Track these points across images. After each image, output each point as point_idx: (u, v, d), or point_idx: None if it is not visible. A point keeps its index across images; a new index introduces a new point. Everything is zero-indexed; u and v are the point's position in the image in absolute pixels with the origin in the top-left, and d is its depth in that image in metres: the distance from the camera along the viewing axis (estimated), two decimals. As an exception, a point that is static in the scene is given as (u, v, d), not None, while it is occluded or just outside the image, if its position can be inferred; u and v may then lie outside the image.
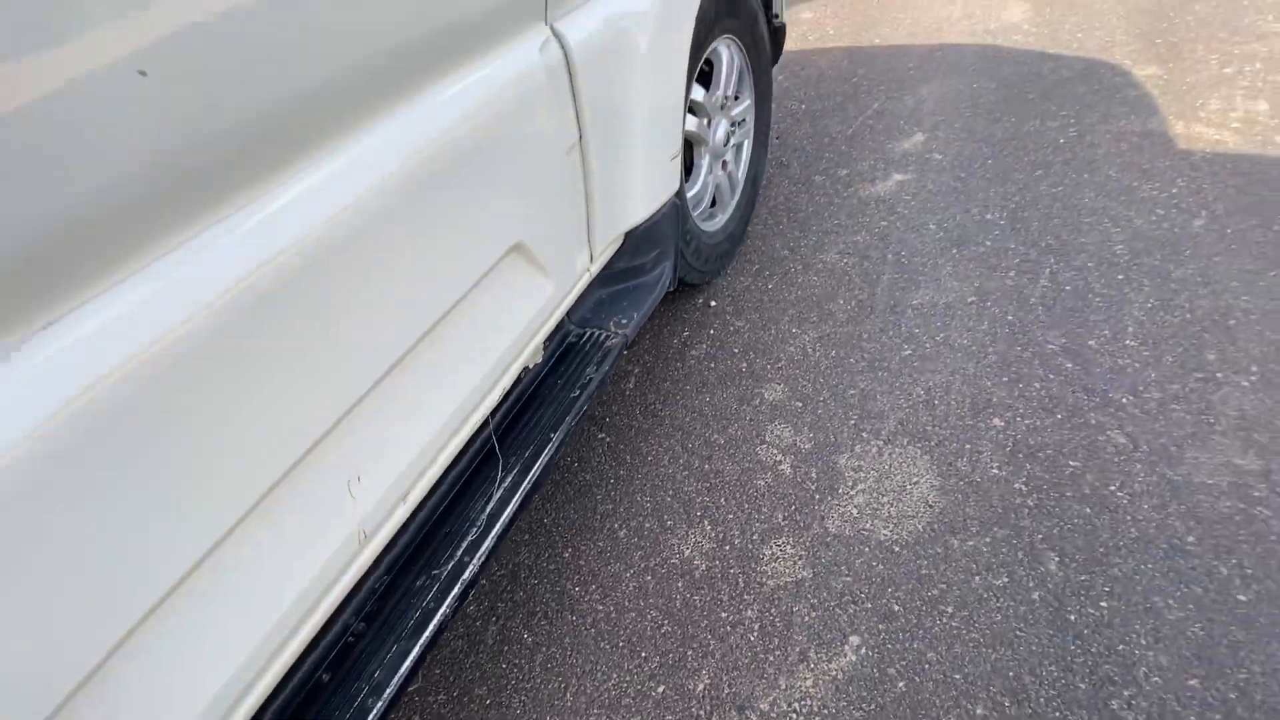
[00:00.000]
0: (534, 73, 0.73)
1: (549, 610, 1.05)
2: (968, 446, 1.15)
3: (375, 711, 0.65)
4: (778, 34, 1.62)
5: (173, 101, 0.46)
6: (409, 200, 0.62)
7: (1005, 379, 1.24)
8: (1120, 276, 1.40)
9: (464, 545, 0.77)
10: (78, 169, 0.42)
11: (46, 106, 0.40)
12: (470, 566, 0.75)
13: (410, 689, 0.97)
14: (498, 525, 0.79)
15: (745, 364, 1.39)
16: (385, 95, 0.61)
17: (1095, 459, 1.09)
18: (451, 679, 0.99)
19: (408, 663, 0.68)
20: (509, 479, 0.83)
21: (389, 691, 0.66)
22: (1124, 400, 1.15)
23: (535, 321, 0.86)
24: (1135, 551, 0.97)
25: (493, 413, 0.85)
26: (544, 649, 1.00)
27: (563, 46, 0.79)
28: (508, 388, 0.85)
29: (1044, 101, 2.03)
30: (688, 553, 1.09)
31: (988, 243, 1.56)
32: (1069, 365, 1.24)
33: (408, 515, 0.72)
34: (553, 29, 0.78)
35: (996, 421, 1.18)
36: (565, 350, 1.01)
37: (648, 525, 1.14)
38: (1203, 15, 2.36)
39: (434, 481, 0.75)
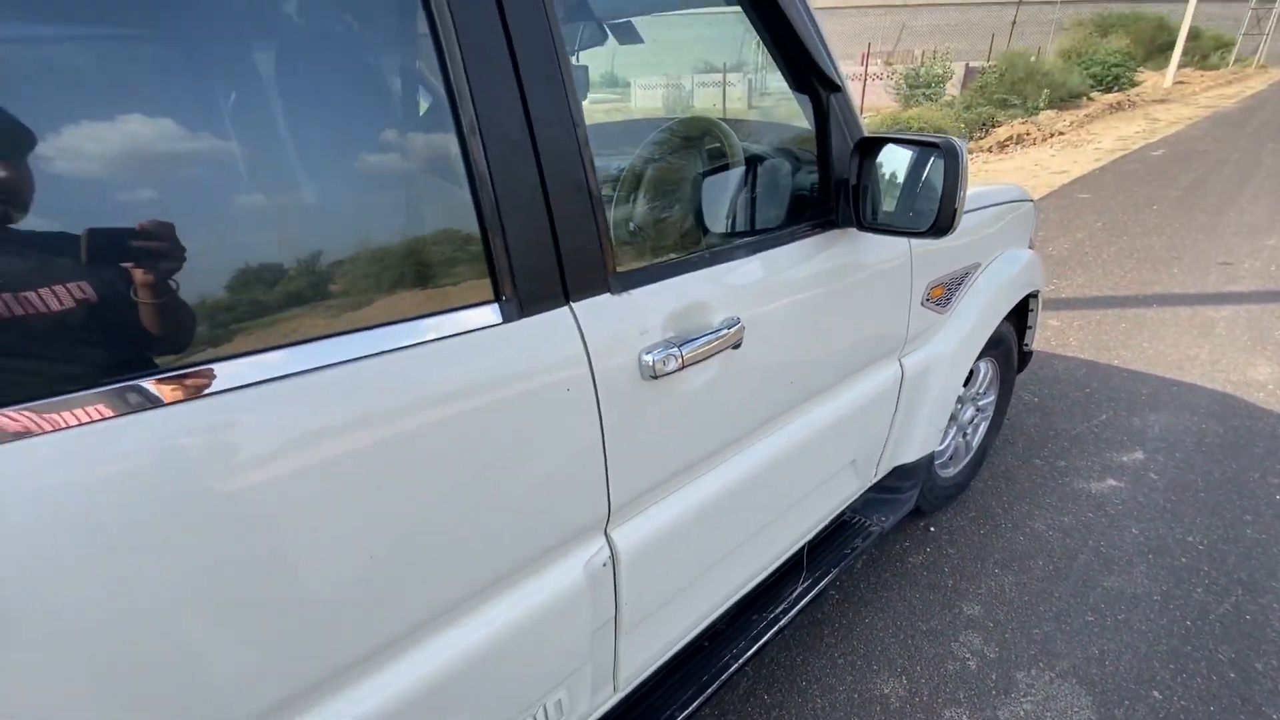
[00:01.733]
0: (891, 386, 1.46)
1: (784, 689, 1.57)
2: (1127, 703, 1.49)
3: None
4: (1026, 356, 2.24)
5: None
6: (820, 443, 1.33)
7: (1172, 667, 1.57)
8: (1306, 626, 1.65)
9: (767, 620, 1.38)
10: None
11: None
12: (768, 633, 1.35)
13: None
14: (794, 611, 1.39)
15: (951, 581, 1.86)
16: (826, 390, 1.35)
17: (1241, 753, 1.37)
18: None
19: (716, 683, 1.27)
20: (803, 588, 1.45)
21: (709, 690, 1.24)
22: (1275, 717, 1.42)
23: (840, 505, 1.52)
24: (1259, 831, 1.24)
25: (801, 550, 1.49)
26: (776, 709, 1.52)
27: (902, 367, 1.52)
28: (812, 539, 1.50)
29: (1270, 459, 2.32)
30: (885, 691, 1.56)
31: (1183, 559, 1.90)
32: (1232, 675, 1.53)
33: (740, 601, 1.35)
34: (900, 363, 1.51)
35: (1156, 694, 1.51)
36: (842, 525, 1.64)
37: (858, 663, 1.64)
38: None
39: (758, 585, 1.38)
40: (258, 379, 0.59)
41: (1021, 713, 1.49)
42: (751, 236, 1.10)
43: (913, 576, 1.89)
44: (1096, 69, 19.05)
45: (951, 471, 2.11)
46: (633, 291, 0.87)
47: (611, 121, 1.95)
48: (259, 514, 0.59)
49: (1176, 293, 3.94)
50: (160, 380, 0.55)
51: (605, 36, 1.55)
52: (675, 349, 0.88)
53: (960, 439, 2.11)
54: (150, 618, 0.55)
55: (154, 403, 0.54)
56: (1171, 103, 17.27)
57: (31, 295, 0.49)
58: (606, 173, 1.21)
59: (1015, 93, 14.33)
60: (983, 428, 2.19)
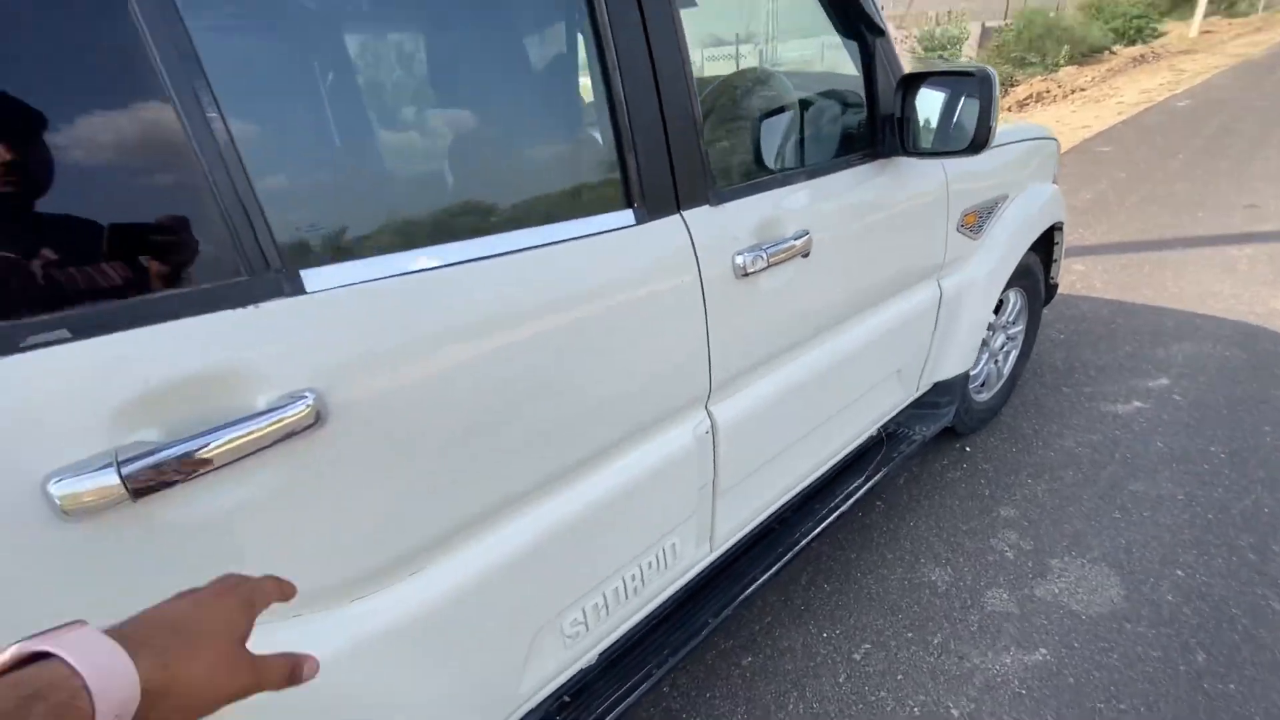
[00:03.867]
0: (931, 304, 1.64)
1: (841, 579, 1.78)
2: (1152, 579, 1.67)
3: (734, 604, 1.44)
4: (1052, 289, 2.39)
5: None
6: (872, 350, 1.52)
7: (1194, 551, 1.74)
8: (1319, 514, 1.81)
9: (828, 508, 1.58)
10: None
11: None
12: (830, 516, 1.55)
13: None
14: (851, 500, 1.59)
15: (987, 491, 2.05)
16: (876, 303, 1.53)
17: (1254, 614, 1.55)
18: (759, 640, 1.76)
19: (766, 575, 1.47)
20: (858, 482, 1.65)
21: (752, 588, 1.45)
22: (1288, 584, 1.60)
23: (889, 411, 1.71)
24: (1268, 668, 1.42)
25: (856, 451, 1.68)
26: (837, 594, 1.73)
27: (940, 289, 1.69)
28: (861, 445, 1.69)
29: (1290, 378, 2.45)
30: (933, 578, 1.76)
31: (1205, 466, 2.06)
32: (1252, 556, 1.70)
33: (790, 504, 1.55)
34: (939, 284, 1.69)
35: (1179, 572, 1.68)
36: (889, 434, 1.83)
37: (906, 557, 1.83)
38: None
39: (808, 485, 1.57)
40: (463, 258, 0.78)
41: (1056, 590, 1.68)
42: (812, 164, 1.29)
43: (952, 488, 2.08)
44: (1118, 22, 18.54)
45: (985, 396, 2.28)
46: (725, 205, 1.07)
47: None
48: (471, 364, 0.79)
49: (1200, 235, 4.02)
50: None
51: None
52: (761, 251, 1.08)
53: (992, 365, 2.28)
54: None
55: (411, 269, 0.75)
56: (1198, 53, 16.80)
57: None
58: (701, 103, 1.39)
59: (1034, 50, 14.08)
60: (1013, 355, 2.35)
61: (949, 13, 18.22)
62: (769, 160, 1.26)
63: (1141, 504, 1.92)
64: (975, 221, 1.72)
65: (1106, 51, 16.57)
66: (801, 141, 1.35)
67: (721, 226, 1.05)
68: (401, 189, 0.84)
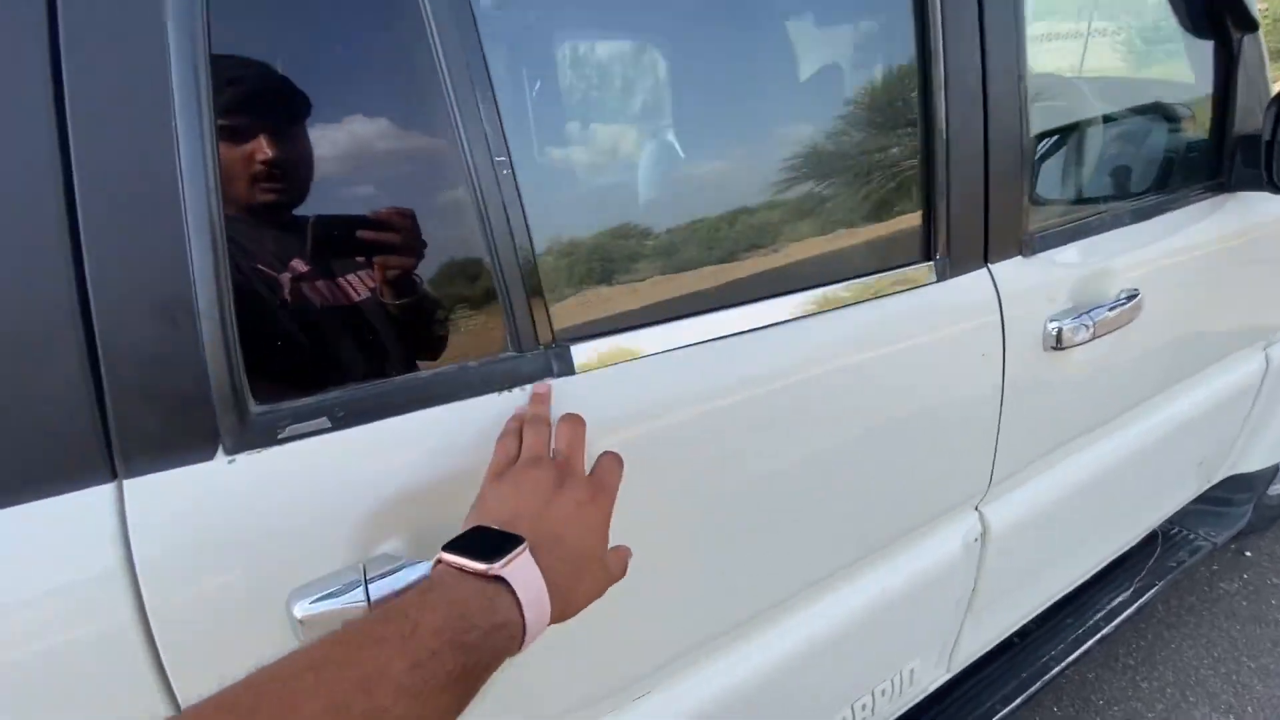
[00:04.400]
0: (1253, 378, 1.26)
1: (1076, 705, 1.44)
2: None
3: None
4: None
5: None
6: (1178, 437, 1.16)
7: None
8: None
9: (1095, 618, 1.25)
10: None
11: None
12: (1090, 640, 1.23)
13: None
14: (1117, 620, 1.26)
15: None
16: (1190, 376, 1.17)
17: None
18: None
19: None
20: (1124, 597, 1.30)
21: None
22: None
23: (1174, 509, 1.34)
24: None
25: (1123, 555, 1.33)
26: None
27: (1268, 360, 1.30)
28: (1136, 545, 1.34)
29: None
30: (1209, 728, 1.36)
31: None
32: None
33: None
34: (1266, 353, 1.29)
35: None
36: (1162, 535, 1.45)
37: (1169, 690, 1.44)
38: None
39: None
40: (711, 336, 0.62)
41: None
42: (1140, 200, 0.99)
43: (1229, 605, 1.63)
44: None
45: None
46: (1040, 255, 0.82)
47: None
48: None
49: None
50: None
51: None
52: (1086, 317, 0.82)
53: (1296, 450, 1.77)
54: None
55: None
56: None
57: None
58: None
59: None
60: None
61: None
62: (1088, 194, 0.99)
63: None
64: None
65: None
66: (1126, 170, 1.05)
67: (1035, 283, 0.81)
68: (662, 244, 0.69)
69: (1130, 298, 0.88)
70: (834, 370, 0.69)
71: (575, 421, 0.47)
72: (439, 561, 0.36)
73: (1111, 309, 0.85)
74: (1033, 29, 0.79)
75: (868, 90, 0.74)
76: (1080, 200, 1.01)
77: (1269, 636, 1.53)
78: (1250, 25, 0.98)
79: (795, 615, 0.77)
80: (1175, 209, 1.00)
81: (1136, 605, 1.29)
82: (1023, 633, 1.26)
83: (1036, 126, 1.06)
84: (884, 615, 0.84)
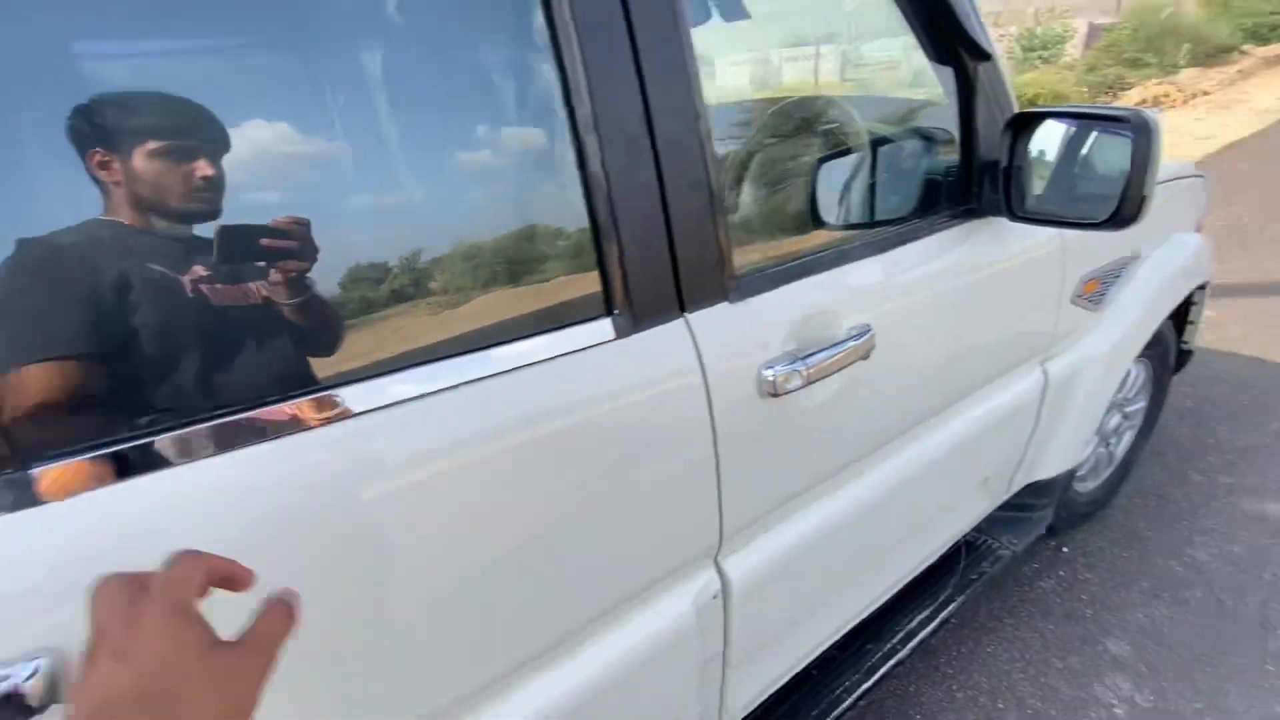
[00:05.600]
0: (1033, 394, 1.28)
1: (886, 715, 1.44)
2: (1327, 778, 1.25)
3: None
4: (1184, 355, 1.94)
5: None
6: (950, 462, 1.17)
7: (1388, 738, 1.30)
8: None
9: (883, 652, 1.25)
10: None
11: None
12: (885, 665, 1.22)
13: None
14: (913, 642, 1.26)
15: (1090, 611, 1.65)
16: (959, 400, 1.19)
17: None
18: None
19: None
20: (923, 616, 1.31)
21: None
22: None
23: (967, 526, 1.36)
24: None
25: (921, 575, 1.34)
26: (889, 746, 1.40)
27: (1046, 374, 1.33)
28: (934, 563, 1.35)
29: None
30: (1016, 735, 1.39)
31: (1396, 604, 1.58)
32: None
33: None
34: (1043, 368, 1.32)
35: (1367, 770, 1.25)
36: (966, 545, 1.47)
37: (981, 699, 1.47)
38: None
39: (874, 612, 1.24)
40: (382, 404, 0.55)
41: (1186, 776, 1.28)
42: (881, 229, 0.97)
43: (1044, 603, 1.69)
44: (1247, 21, 16.67)
45: (1090, 486, 1.87)
46: (751, 300, 0.78)
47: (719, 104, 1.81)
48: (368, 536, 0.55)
49: (1367, 277, 3.35)
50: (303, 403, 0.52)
51: (708, 14, 1.44)
52: (799, 363, 0.78)
53: (1103, 449, 1.86)
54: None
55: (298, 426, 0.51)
56: (1349, 52, 14.82)
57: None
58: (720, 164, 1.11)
59: (1151, 50, 12.79)
60: (1128, 436, 1.92)
61: (1051, 8, 16.92)
62: (821, 226, 0.96)
63: (1306, 655, 1.48)
64: (1097, 289, 1.34)
65: (1236, 51, 14.90)
66: (870, 198, 1.04)
67: (744, 331, 0.77)
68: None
69: (859, 335, 0.85)
70: (511, 446, 0.62)
71: (186, 558, 0.34)
72: None
73: (833, 348, 0.82)
74: (774, 51, 0.75)
75: (520, 137, 0.67)
76: (809, 231, 0.98)
77: (1078, 634, 1.59)
78: (982, 55, 0.98)
79: (523, 689, 0.70)
80: (925, 236, 0.99)
81: (935, 624, 1.29)
82: (826, 660, 1.24)
83: (772, 156, 1.05)
84: (623, 681, 0.78)
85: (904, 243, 0.97)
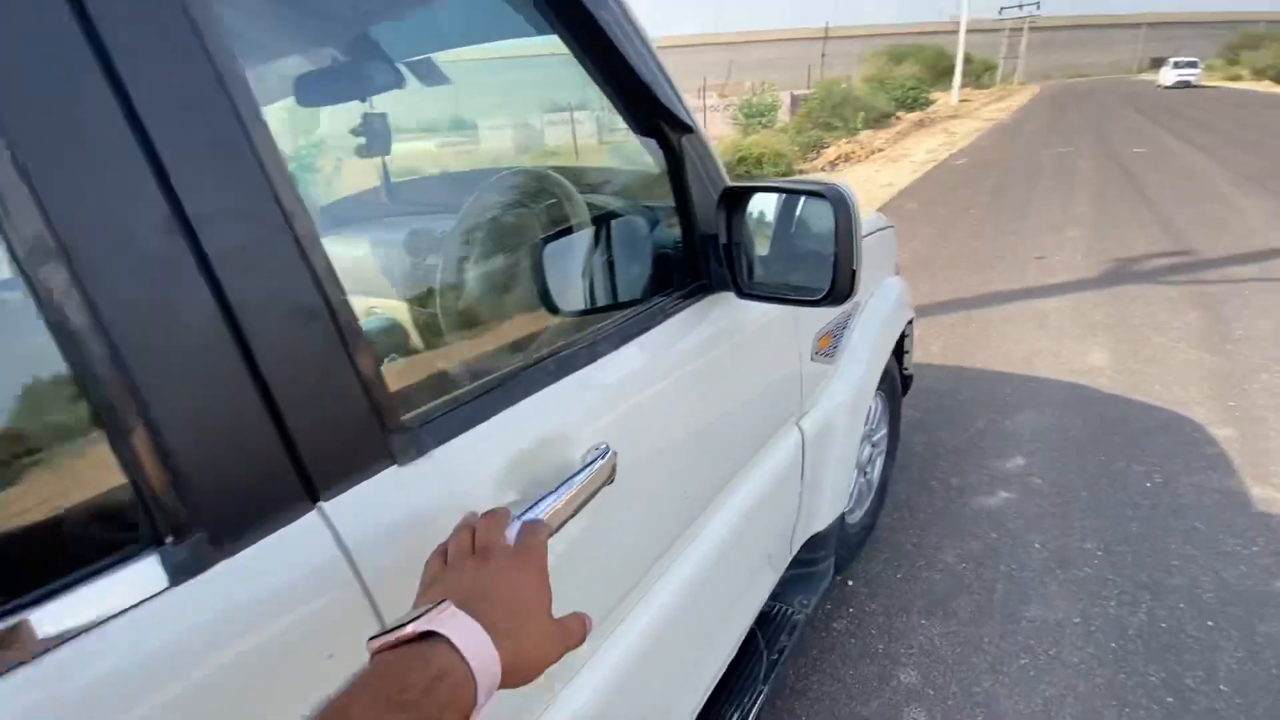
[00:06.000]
0: (794, 455, 1.26)
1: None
2: (1083, 760, 1.37)
3: None
4: (907, 380, 2.19)
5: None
6: (728, 556, 1.09)
7: (1114, 702, 1.48)
8: (1210, 623, 1.66)
9: None
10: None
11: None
12: None
13: None
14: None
15: (882, 645, 1.70)
16: (723, 488, 1.12)
17: (1201, 795, 1.28)
18: None
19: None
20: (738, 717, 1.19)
21: None
22: (1222, 743, 1.37)
23: (761, 603, 1.29)
24: None
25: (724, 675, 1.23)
26: None
27: (801, 432, 1.33)
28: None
29: (1129, 446, 2.44)
30: (841, 811, 1.33)
31: (1088, 569, 1.88)
32: (1169, 699, 1.47)
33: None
34: (799, 427, 1.32)
35: (1108, 741, 1.40)
36: (761, 619, 1.41)
37: (805, 778, 1.40)
38: (1271, 385, 2.79)
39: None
40: None
41: (986, 801, 1.32)
42: (608, 321, 0.84)
43: (841, 647, 1.70)
44: (898, 92, 21.59)
45: (859, 514, 1.98)
46: (435, 453, 0.57)
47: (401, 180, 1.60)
48: None
49: (1007, 289, 4.27)
50: None
51: (399, 77, 1.26)
52: (518, 520, 0.59)
53: (861, 479, 1.98)
54: None
55: None
56: (961, 117, 19.85)
57: None
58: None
59: (836, 116, 15.77)
60: (880, 462, 2.09)
61: (762, 83, 20.09)
62: (534, 329, 0.81)
63: (1044, 638, 1.67)
64: (831, 343, 1.39)
65: (894, 117, 19.08)
66: (594, 285, 0.91)
67: (426, 500, 0.56)
68: None
69: (599, 456, 0.70)
70: None
71: (490, 513, 0.51)
72: (372, 654, 0.36)
73: (564, 487, 0.65)
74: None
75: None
76: (526, 336, 0.84)
77: (875, 673, 1.62)
78: (684, 128, 0.92)
79: None
80: (661, 322, 0.90)
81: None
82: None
83: (426, 259, 0.88)
84: None
85: (639, 332, 0.85)
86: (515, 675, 0.39)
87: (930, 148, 12.57)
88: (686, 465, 0.91)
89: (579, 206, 0.99)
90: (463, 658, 0.35)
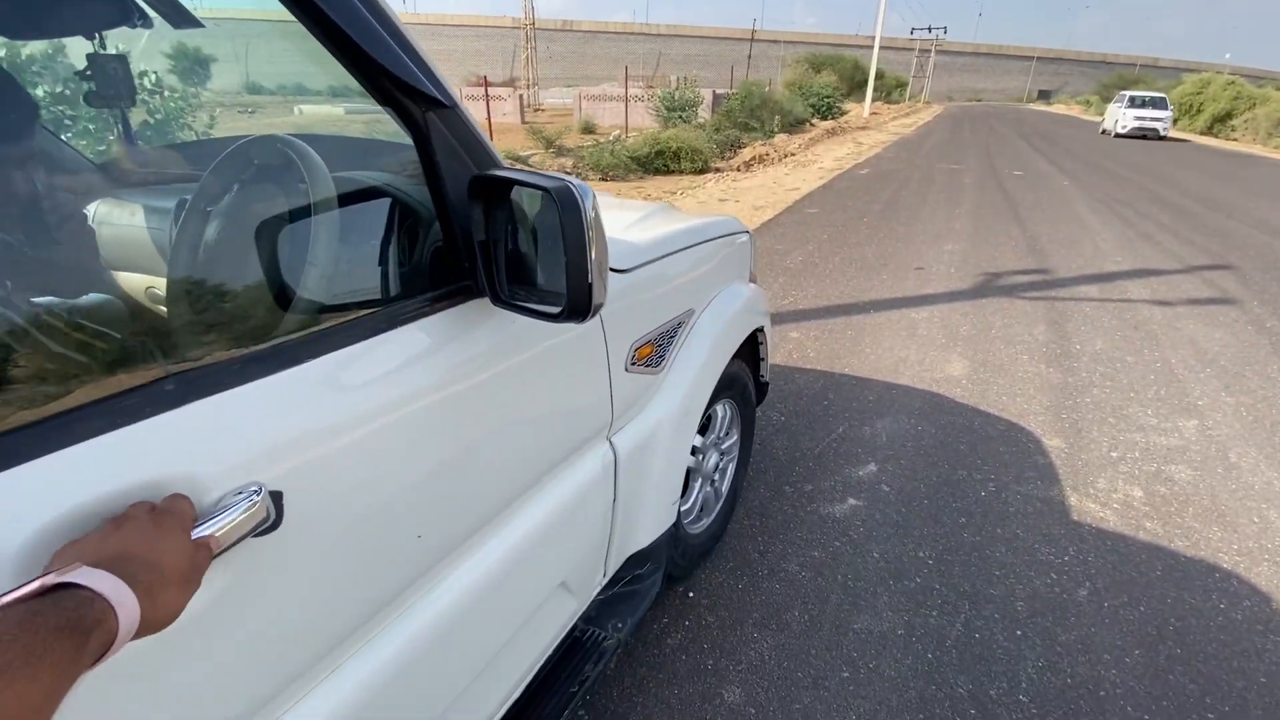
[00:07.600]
0: (601, 474, 1.16)
1: None
2: (885, 778, 1.37)
3: None
4: (763, 388, 2.16)
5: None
6: (519, 564, 0.99)
7: (921, 716, 1.50)
8: (1019, 632, 1.72)
9: None
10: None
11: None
12: None
13: None
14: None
15: (712, 662, 1.65)
16: (495, 517, 1.00)
17: (987, 809, 1.31)
18: None
19: None
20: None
21: None
22: (1011, 755, 1.41)
23: (560, 633, 1.18)
24: None
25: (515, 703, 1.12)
26: None
27: (614, 449, 1.24)
28: (529, 681, 1.14)
29: (971, 454, 2.55)
30: (642, 846, 1.26)
31: (918, 579, 1.92)
32: (972, 712, 1.51)
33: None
34: (610, 442, 1.23)
35: (910, 757, 1.41)
36: (570, 645, 1.31)
37: (610, 811, 1.32)
38: (1099, 399, 3.01)
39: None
40: None
41: (786, 827, 1.29)
42: (335, 323, 0.70)
43: (671, 665, 1.64)
44: (814, 99, 22.34)
45: (704, 524, 1.93)
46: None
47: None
48: None
49: (886, 298, 4.43)
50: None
51: (138, 14, 1.04)
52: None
53: (709, 488, 1.94)
54: None
55: None
56: (870, 129, 20.78)
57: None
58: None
59: (754, 118, 16.07)
60: (731, 469, 2.05)
61: (684, 78, 20.16)
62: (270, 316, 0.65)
63: (866, 650, 1.68)
64: (653, 353, 1.30)
65: (808, 123, 19.70)
66: (333, 276, 0.76)
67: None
68: None
69: (251, 497, 0.56)
70: None
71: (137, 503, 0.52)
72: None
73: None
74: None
75: None
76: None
77: (699, 692, 1.57)
78: (431, 102, 0.79)
79: None
80: (404, 325, 0.76)
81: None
82: None
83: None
84: None
85: (367, 337, 0.71)
86: (158, 616, 0.47)
87: (839, 156, 13.05)
88: (421, 500, 0.78)
89: (323, 183, 0.83)
90: (100, 595, 0.41)
